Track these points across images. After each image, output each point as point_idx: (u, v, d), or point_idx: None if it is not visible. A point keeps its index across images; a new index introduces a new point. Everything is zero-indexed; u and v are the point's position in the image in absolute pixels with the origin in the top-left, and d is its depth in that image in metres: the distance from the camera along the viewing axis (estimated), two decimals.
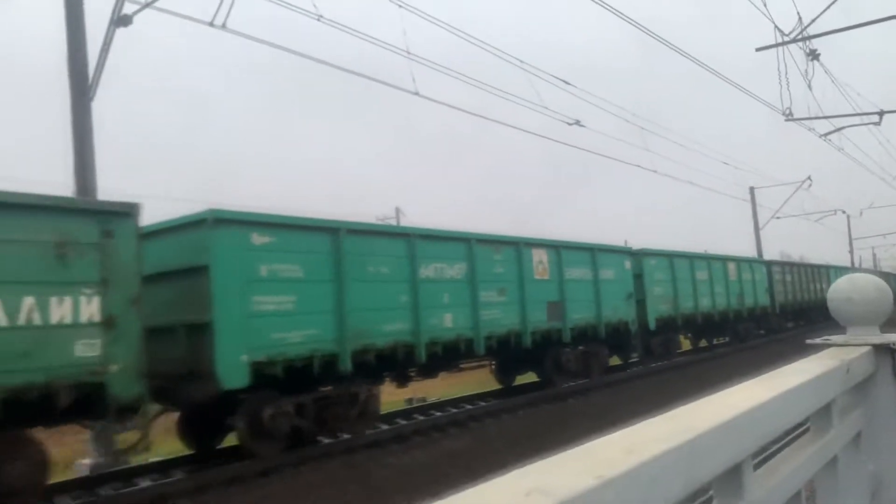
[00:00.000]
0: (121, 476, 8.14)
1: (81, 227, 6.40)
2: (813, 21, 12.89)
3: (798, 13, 12.81)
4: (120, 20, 9.77)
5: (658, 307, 16.36)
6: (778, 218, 34.11)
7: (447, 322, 10.46)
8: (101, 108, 9.97)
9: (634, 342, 15.59)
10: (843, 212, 45.13)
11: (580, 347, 13.87)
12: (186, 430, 8.83)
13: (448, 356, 10.74)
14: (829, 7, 12.49)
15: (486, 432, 10.01)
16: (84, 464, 9.21)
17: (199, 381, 7.48)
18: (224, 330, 7.44)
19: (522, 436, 9.50)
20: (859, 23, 13.23)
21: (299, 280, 8.36)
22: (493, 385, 14.28)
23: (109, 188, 9.89)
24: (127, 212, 6.74)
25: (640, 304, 15.67)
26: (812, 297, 27.35)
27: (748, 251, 30.83)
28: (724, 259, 20.45)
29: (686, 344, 21.00)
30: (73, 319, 6.24)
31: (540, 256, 12.59)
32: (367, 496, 7.16)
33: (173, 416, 9.02)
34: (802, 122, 16.51)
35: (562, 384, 13.25)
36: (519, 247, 12.08)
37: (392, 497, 6.93)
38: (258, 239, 7.96)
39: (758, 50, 13.43)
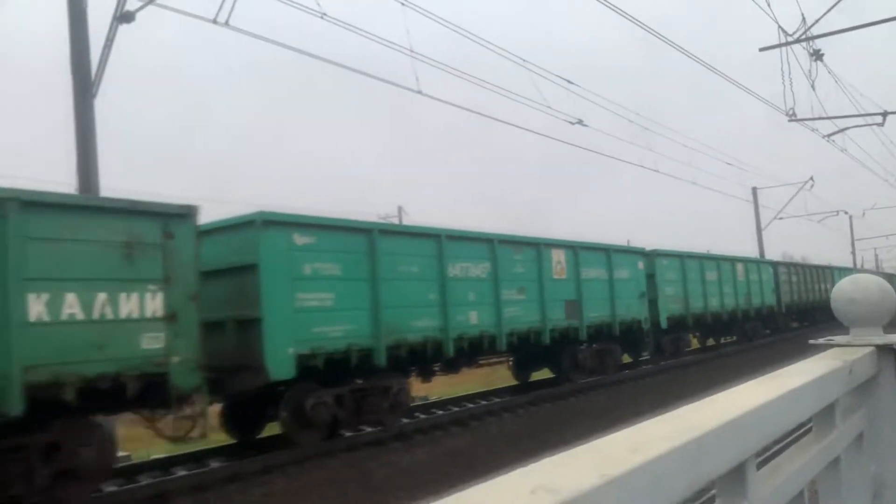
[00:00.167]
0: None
1: (146, 228, 6.87)
2: (817, 21, 12.94)
3: (802, 13, 12.77)
4: (123, 17, 9.64)
5: (669, 306, 16.82)
6: (780, 218, 34.37)
7: (472, 319, 10.93)
8: (102, 105, 9.71)
9: (647, 340, 16.04)
10: (846, 212, 45.08)
11: (594, 345, 14.33)
12: (230, 421, 9.29)
13: (473, 352, 11.21)
14: (832, 7, 12.60)
15: (487, 431, 10.10)
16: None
17: (248, 372, 7.94)
18: (272, 324, 7.91)
19: (524, 435, 9.59)
20: (863, 23, 13.29)
21: (337, 278, 8.83)
22: (493, 384, 14.52)
23: (111, 186, 9.71)
24: (186, 213, 7.21)
25: (652, 303, 16.13)
26: (816, 298, 27.77)
27: (750, 251, 31.12)
28: (732, 260, 20.91)
29: (694, 343, 21.44)
30: (139, 314, 6.71)
31: (558, 256, 13.05)
32: (369, 495, 7.16)
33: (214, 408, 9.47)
34: (806, 122, 16.40)
35: (578, 381, 13.71)
36: (538, 247, 12.55)
37: (393, 496, 6.93)
38: (301, 239, 8.43)
39: (761, 50, 13.42)
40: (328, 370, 8.64)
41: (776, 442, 1.44)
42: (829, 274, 30.30)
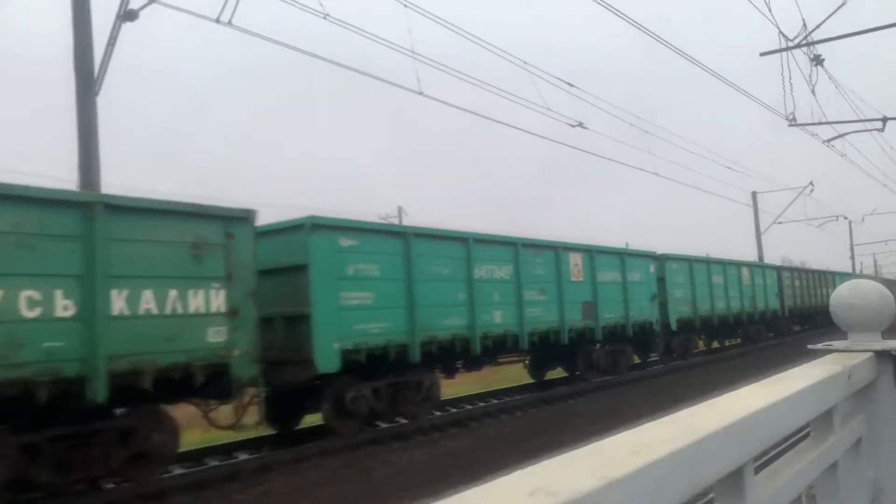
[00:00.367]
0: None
1: (211, 229, 7.42)
2: (817, 27, 12.95)
3: (802, 19, 12.80)
4: (126, 15, 9.58)
5: (679, 309, 17.40)
6: (780, 223, 34.67)
7: (497, 318, 11.48)
8: (104, 103, 9.47)
9: (658, 341, 16.61)
10: (845, 217, 45.16)
11: (608, 345, 14.89)
12: (273, 412, 9.82)
13: (497, 350, 11.77)
14: (833, 13, 12.60)
15: (486, 433, 10.17)
16: None
17: (297, 365, 8.49)
18: (320, 321, 8.46)
19: (523, 437, 9.60)
20: (864, 29, 13.36)
21: (377, 278, 9.38)
22: (493, 385, 14.73)
23: (113, 184, 9.72)
24: (245, 217, 7.76)
25: (662, 305, 16.71)
26: (818, 302, 28.39)
27: (749, 255, 31.36)
28: (738, 264, 21.50)
29: (700, 345, 21.97)
30: (205, 309, 7.26)
31: (576, 260, 13.62)
32: (368, 495, 7.18)
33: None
34: (806, 127, 16.32)
35: (592, 379, 14.26)
36: (557, 251, 13.11)
37: (392, 496, 6.97)
38: (345, 242, 8.99)
39: (762, 55, 13.41)
40: (367, 365, 9.19)
41: (775, 446, 1.43)
42: (831, 279, 30.93)
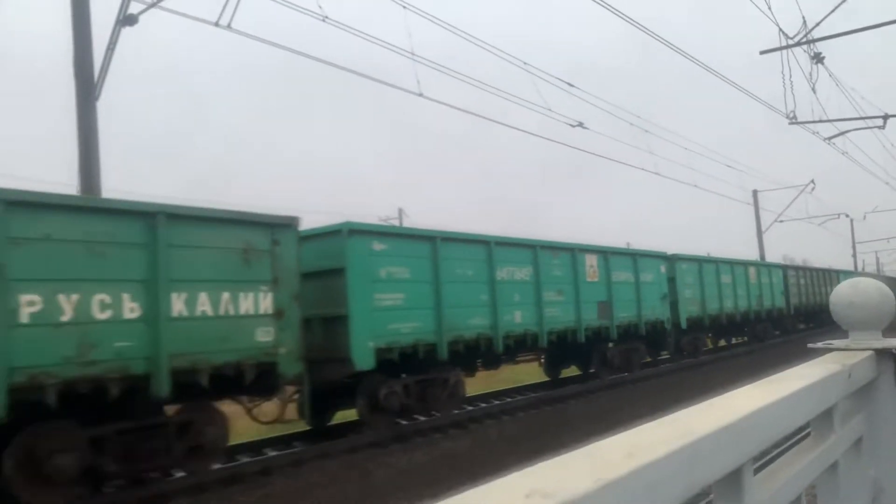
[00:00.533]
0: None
1: (258, 236, 7.90)
2: (818, 24, 12.99)
3: (802, 16, 12.86)
4: (126, 19, 9.62)
5: (689, 308, 17.87)
6: (781, 221, 34.87)
7: (517, 318, 11.94)
8: (104, 107, 9.61)
9: (669, 340, 17.08)
10: (847, 215, 45.13)
11: (622, 344, 15.35)
12: (309, 409, 10.29)
13: (517, 349, 12.23)
14: (833, 10, 12.57)
15: (486, 434, 10.27)
16: None
17: (335, 363, 8.96)
18: (357, 321, 8.94)
19: (523, 438, 9.65)
20: (864, 26, 13.42)
21: (407, 280, 9.85)
22: (493, 386, 14.83)
23: (113, 187, 9.90)
24: (290, 223, 8.24)
25: (673, 305, 17.16)
26: (823, 300, 28.79)
27: (750, 254, 31.54)
28: (745, 264, 21.96)
29: (707, 343, 22.44)
30: (254, 311, 7.73)
31: (591, 261, 14.08)
32: (368, 496, 7.24)
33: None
34: (806, 125, 16.39)
35: (606, 377, 14.73)
36: (574, 252, 13.57)
37: (392, 497, 7.03)
38: (378, 246, 9.46)
39: (762, 53, 13.45)
40: (399, 363, 9.66)
41: (775, 446, 1.42)
42: (835, 277, 31.37)
